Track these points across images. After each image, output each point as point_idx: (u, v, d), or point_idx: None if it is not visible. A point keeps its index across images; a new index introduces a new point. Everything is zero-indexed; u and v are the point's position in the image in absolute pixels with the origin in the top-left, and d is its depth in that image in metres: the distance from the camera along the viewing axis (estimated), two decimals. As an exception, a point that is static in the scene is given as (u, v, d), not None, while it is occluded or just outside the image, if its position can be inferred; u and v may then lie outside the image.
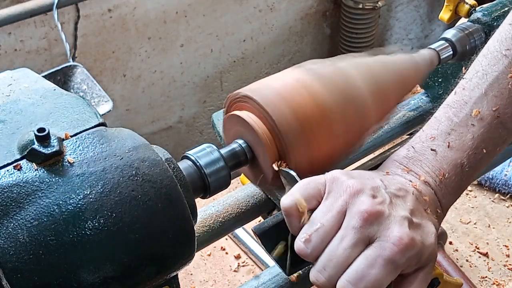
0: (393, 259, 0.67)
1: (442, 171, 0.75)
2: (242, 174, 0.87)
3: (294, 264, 0.75)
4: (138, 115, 2.48)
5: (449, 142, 0.76)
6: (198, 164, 0.76)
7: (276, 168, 0.77)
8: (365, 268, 0.66)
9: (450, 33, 1.01)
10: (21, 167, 0.63)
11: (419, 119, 1.11)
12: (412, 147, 0.78)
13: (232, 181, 0.79)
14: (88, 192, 0.62)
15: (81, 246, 0.61)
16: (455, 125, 0.77)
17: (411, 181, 0.74)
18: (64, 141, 0.66)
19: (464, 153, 0.76)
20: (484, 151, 0.77)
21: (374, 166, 0.82)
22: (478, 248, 1.48)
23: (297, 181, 0.74)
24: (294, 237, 0.71)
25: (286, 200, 0.71)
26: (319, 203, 0.71)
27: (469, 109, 0.78)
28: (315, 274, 0.69)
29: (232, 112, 0.81)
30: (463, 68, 0.84)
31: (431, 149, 0.76)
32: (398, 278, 0.69)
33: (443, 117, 0.79)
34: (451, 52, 0.99)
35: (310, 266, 0.71)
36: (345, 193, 0.69)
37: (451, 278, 0.77)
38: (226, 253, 1.49)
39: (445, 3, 1.10)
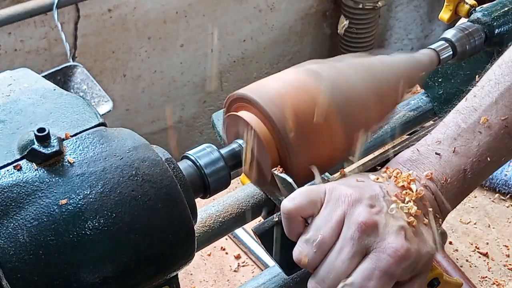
0: (389, 270, 0.67)
1: (445, 176, 0.75)
2: (242, 174, 0.87)
3: (294, 264, 0.75)
4: (138, 115, 2.48)
5: (454, 147, 0.76)
6: (198, 164, 0.76)
7: (276, 173, 0.77)
8: (362, 281, 0.67)
9: (450, 33, 1.01)
10: (21, 167, 0.63)
11: (419, 119, 1.11)
12: (417, 149, 0.78)
13: (232, 181, 0.79)
14: (88, 192, 0.62)
15: (81, 246, 0.61)
16: (462, 131, 0.77)
17: None
18: (64, 141, 0.66)
19: (468, 160, 0.76)
20: (489, 159, 0.77)
21: (381, 163, 0.82)
22: (478, 248, 1.48)
23: (293, 186, 0.74)
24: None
25: (289, 203, 0.72)
26: (318, 211, 0.71)
27: (478, 116, 0.78)
28: (314, 285, 0.70)
29: (232, 113, 0.81)
30: (477, 76, 0.84)
31: (436, 153, 0.76)
32: (394, 285, 0.69)
33: (451, 122, 0.79)
34: (451, 52, 0.99)
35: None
36: (344, 203, 0.70)
37: (451, 278, 0.77)
38: (226, 253, 1.49)
39: (445, 3, 1.09)
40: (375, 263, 0.67)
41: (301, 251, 0.70)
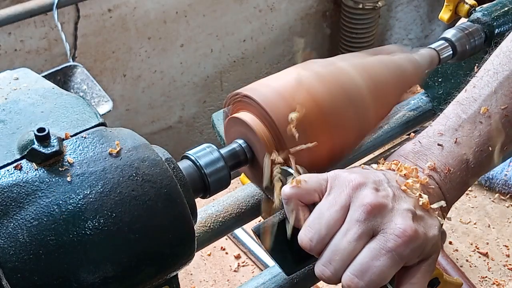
0: (397, 250, 0.67)
1: (448, 166, 0.76)
2: (242, 174, 0.87)
3: (295, 262, 0.75)
4: (138, 115, 2.48)
5: (456, 138, 0.77)
6: (198, 164, 0.76)
7: (271, 158, 0.77)
8: (370, 260, 0.67)
9: (450, 33, 1.01)
10: (21, 167, 0.63)
11: (419, 119, 1.11)
12: (419, 141, 0.78)
13: (232, 181, 0.79)
14: (88, 192, 0.62)
15: (81, 246, 0.61)
16: (463, 122, 0.78)
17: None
18: (64, 141, 0.66)
19: (470, 150, 0.77)
20: (490, 149, 0.77)
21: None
22: (478, 248, 1.48)
23: (293, 176, 0.75)
24: (294, 233, 0.71)
25: (287, 188, 0.72)
26: (320, 198, 0.71)
27: (478, 106, 0.78)
28: (321, 268, 0.69)
29: (233, 115, 0.81)
30: (476, 66, 0.84)
31: (438, 144, 0.77)
32: (401, 270, 0.69)
33: (451, 113, 0.80)
34: (451, 52, 0.99)
35: (310, 266, 0.71)
36: (348, 188, 0.70)
37: (451, 278, 0.77)
38: (226, 253, 1.49)
39: (445, 3, 1.10)
40: (383, 243, 0.67)
41: (305, 234, 0.70)
